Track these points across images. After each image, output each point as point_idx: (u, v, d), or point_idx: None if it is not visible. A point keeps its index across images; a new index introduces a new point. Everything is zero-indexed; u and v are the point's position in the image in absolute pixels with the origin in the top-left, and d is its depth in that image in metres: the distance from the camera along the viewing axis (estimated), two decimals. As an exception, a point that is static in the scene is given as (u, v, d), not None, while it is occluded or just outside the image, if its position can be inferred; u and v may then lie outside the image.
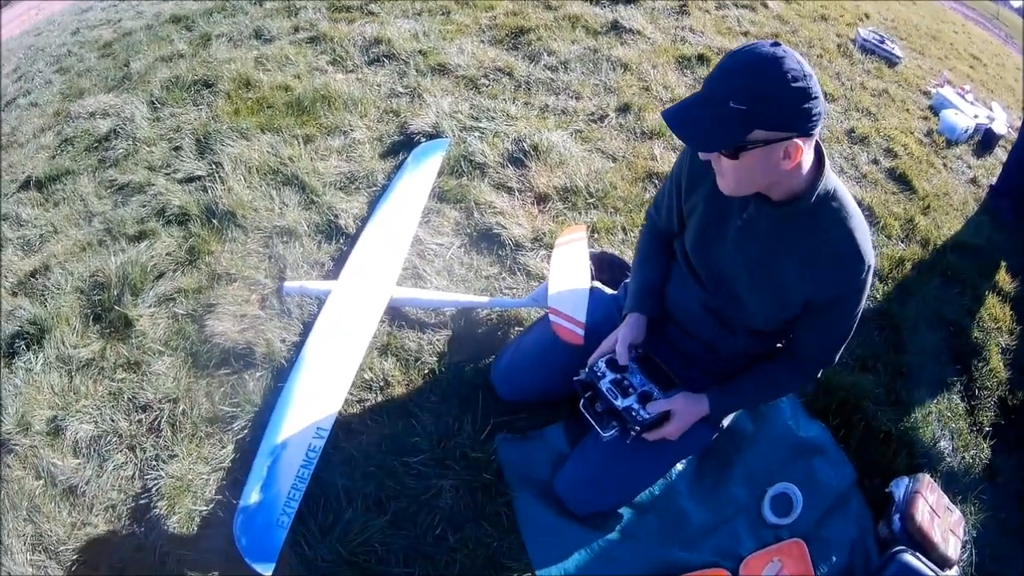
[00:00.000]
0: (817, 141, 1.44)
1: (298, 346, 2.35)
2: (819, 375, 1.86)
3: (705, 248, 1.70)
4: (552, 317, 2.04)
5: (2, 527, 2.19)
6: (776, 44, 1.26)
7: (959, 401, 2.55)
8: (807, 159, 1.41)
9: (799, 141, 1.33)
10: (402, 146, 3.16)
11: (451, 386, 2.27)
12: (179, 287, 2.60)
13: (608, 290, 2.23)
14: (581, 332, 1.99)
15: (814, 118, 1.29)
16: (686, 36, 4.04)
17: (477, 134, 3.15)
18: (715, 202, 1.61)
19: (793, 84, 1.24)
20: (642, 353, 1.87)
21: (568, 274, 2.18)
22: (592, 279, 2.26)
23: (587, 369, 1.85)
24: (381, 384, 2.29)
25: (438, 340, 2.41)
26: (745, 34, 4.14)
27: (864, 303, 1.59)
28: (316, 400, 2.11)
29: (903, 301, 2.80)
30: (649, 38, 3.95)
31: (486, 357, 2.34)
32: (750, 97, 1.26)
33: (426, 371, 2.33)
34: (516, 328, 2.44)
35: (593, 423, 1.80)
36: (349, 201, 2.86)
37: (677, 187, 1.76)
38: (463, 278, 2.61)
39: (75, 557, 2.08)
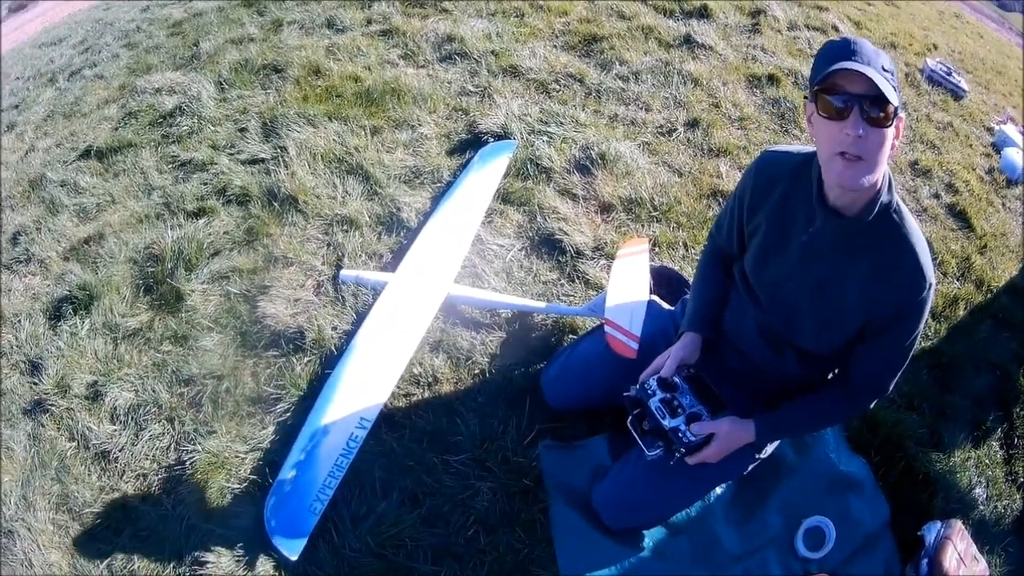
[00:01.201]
0: None
1: (349, 334, 2.42)
2: (871, 405, 1.85)
3: (766, 267, 1.74)
4: (607, 328, 2.10)
5: (29, 484, 2.30)
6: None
7: (998, 448, 2.54)
8: None
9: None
10: (469, 144, 3.24)
11: (499, 388, 2.33)
12: (234, 266, 2.70)
13: (666, 305, 2.27)
14: (635, 346, 2.03)
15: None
16: (757, 55, 4.09)
17: (545, 138, 3.22)
18: (779, 219, 1.67)
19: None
20: (693, 373, 1.88)
21: (627, 287, 2.22)
22: (650, 293, 2.30)
23: (638, 386, 1.86)
24: (429, 380, 2.35)
25: (491, 341, 2.46)
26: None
27: (923, 326, 1.61)
28: (362, 390, 2.17)
29: (953, 341, 2.80)
30: (721, 54, 4.01)
31: (537, 362, 2.39)
32: (890, 66, 1.39)
33: (476, 371, 2.38)
34: (570, 335, 2.48)
35: (638, 441, 1.82)
36: (412, 195, 2.94)
37: (740, 206, 1.81)
38: (521, 281, 2.66)
39: (99, 521, 2.17)
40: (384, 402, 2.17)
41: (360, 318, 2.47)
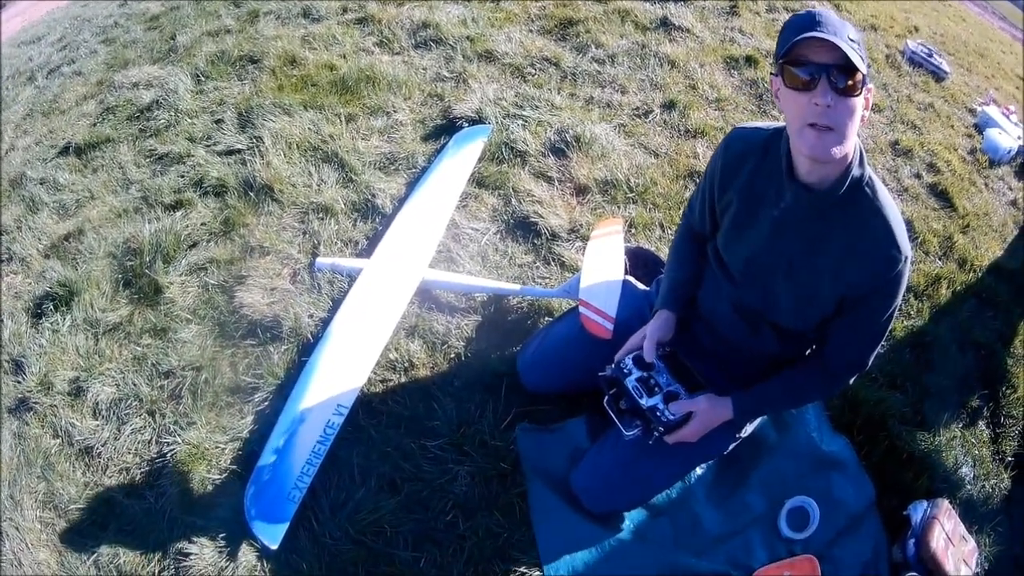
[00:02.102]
0: None
1: (326, 322, 2.45)
2: (851, 381, 1.87)
3: (739, 243, 1.75)
4: (582, 309, 2.11)
5: (15, 483, 2.33)
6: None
7: (984, 428, 2.58)
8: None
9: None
10: (444, 130, 3.27)
11: (476, 372, 2.35)
12: (212, 257, 2.73)
13: (641, 286, 2.29)
14: (610, 326, 2.05)
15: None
16: (735, 37, 4.13)
17: (520, 122, 3.25)
18: (749, 195, 1.68)
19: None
20: (669, 351, 1.90)
21: (602, 267, 2.24)
22: (626, 273, 2.31)
23: (614, 365, 1.88)
24: (406, 365, 2.38)
25: (466, 325, 2.49)
26: None
27: (900, 300, 1.62)
28: (339, 377, 2.20)
29: (936, 320, 2.84)
30: (698, 36, 4.04)
31: (513, 346, 2.42)
32: (856, 35, 1.39)
33: (452, 356, 2.41)
34: (545, 318, 2.51)
35: (616, 421, 1.84)
36: (388, 181, 2.96)
37: (710, 185, 1.82)
38: (496, 265, 2.69)
39: (85, 517, 2.21)
40: (360, 387, 2.20)
41: (336, 305, 2.49)
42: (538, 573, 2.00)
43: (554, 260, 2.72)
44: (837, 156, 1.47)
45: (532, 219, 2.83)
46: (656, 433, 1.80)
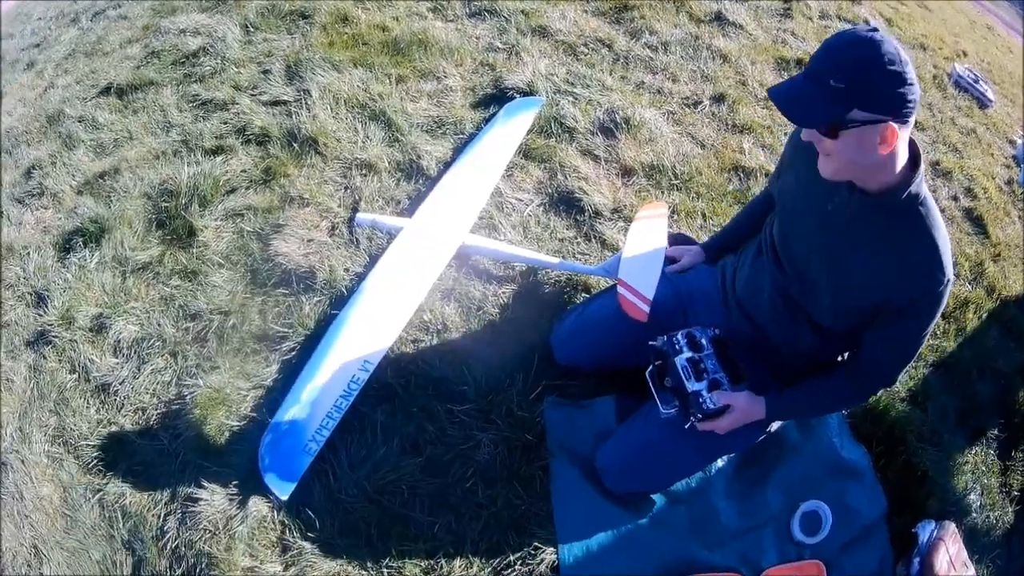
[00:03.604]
0: (915, 143, 1.52)
1: (361, 277, 2.45)
2: (876, 394, 1.93)
3: (790, 227, 1.79)
4: (620, 289, 2.09)
5: (26, 416, 2.35)
6: (874, 29, 1.37)
7: (995, 457, 2.59)
8: (902, 152, 1.49)
9: (894, 125, 1.40)
10: (494, 99, 3.26)
11: (508, 341, 2.37)
12: (249, 204, 2.72)
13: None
14: (647, 308, 2.02)
15: (909, 104, 1.38)
16: (787, 39, 4.13)
17: (570, 99, 3.24)
18: (809, 183, 1.68)
19: (889, 67, 1.34)
20: (719, 336, 1.90)
21: (644, 249, 2.22)
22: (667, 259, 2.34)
23: (665, 337, 1.88)
24: (439, 327, 2.38)
25: (503, 294, 2.49)
26: None
27: (936, 320, 1.63)
28: (369, 333, 2.19)
29: (961, 344, 2.85)
30: (751, 34, 4.04)
31: (548, 318, 2.41)
32: (848, 76, 1.37)
33: (486, 322, 2.42)
34: (582, 294, 2.52)
35: (655, 395, 1.86)
36: (434, 144, 2.95)
37: (781, 161, 1.89)
38: (537, 236, 2.69)
39: (95, 454, 2.22)
40: (389, 345, 2.19)
41: (373, 261, 2.49)
42: (552, 551, 2.02)
43: (595, 237, 2.73)
44: (833, 178, 1.54)
45: (576, 195, 2.83)
46: (692, 419, 1.81)
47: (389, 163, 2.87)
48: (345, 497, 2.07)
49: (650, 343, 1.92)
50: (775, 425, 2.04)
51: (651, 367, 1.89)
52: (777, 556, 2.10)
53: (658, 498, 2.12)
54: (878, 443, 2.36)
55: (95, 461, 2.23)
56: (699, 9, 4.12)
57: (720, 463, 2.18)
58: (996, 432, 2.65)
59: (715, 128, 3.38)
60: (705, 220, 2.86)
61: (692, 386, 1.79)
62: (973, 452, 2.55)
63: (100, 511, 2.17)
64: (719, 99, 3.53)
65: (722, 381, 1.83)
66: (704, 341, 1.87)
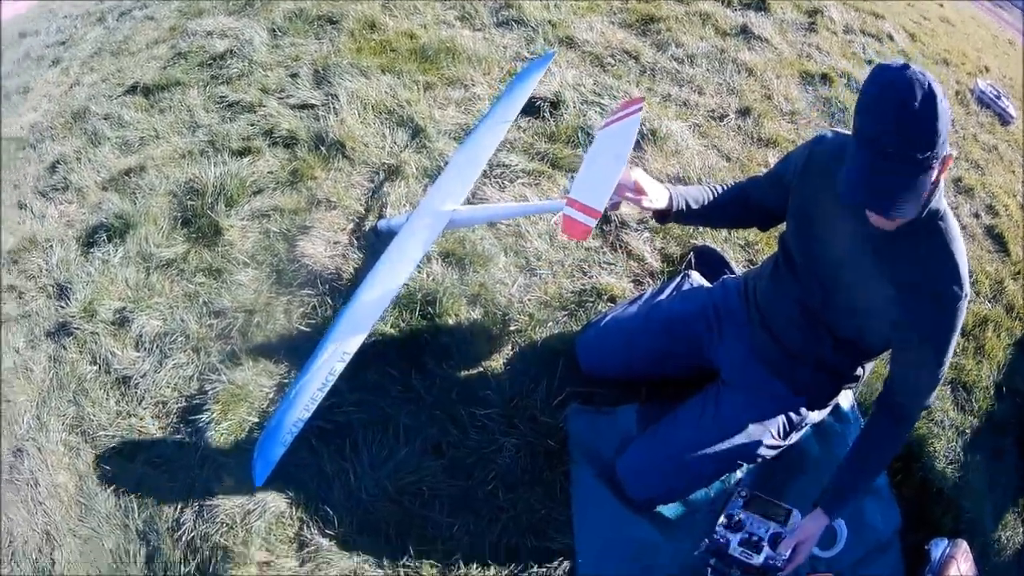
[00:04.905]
0: None
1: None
2: (917, 420, 1.94)
3: (808, 235, 1.81)
4: (566, 210, 1.84)
5: (44, 405, 2.41)
6: (906, 66, 1.35)
7: (1011, 477, 2.60)
8: None
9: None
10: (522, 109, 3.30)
11: (533, 347, 2.41)
12: (276, 205, 2.79)
13: (705, 283, 2.35)
14: (592, 222, 1.78)
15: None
16: (812, 53, 4.15)
17: (597, 109, 3.28)
18: (829, 195, 1.67)
19: (943, 104, 1.33)
20: (748, 496, 2.01)
21: (603, 159, 1.92)
22: (690, 268, 2.41)
23: (707, 540, 1.97)
24: (465, 332, 2.42)
25: (528, 301, 2.54)
26: (869, 62, 4.24)
27: (957, 335, 1.65)
28: (353, 324, 2.14)
29: (979, 361, 2.85)
30: (776, 48, 4.07)
31: (574, 325, 2.47)
32: (928, 139, 1.35)
33: (511, 328, 2.45)
34: (608, 303, 2.54)
35: None
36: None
37: (792, 171, 1.85)
38: (563, 246, 2.72)
39: (113, 445, 2.27)
40: (366, 334, 2.11)
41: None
42: (569, 556, 2.05)
43: (621, 248, 2.75)
44: (896, 223, 1.54)
45: None
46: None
47: (416, 168, 2.92)
48: (365, 496, 2.10)
49: (696, 553, 2.01)
50: (795, 436, 2.10)
51: (711, 570, 1.95)
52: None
53: (677, 507, 2.14)
54: (895, 459, 2.32)
55: (113, 452, 2.28)
56: (724, 22, 4.15)
57: (739, 473, 2.19)
58: (1013, 451, 2.68)
59: (740, 142, 3.41)
60: (730, 232, 2.88)
61: (759, 561, 1.86)
62: (988, 471, 2.56)
63: (115, 501, 2.21)
64: (744, 113, 3.56)
65: (779, 532, 1.90)
66: (741, 515, 1.96)
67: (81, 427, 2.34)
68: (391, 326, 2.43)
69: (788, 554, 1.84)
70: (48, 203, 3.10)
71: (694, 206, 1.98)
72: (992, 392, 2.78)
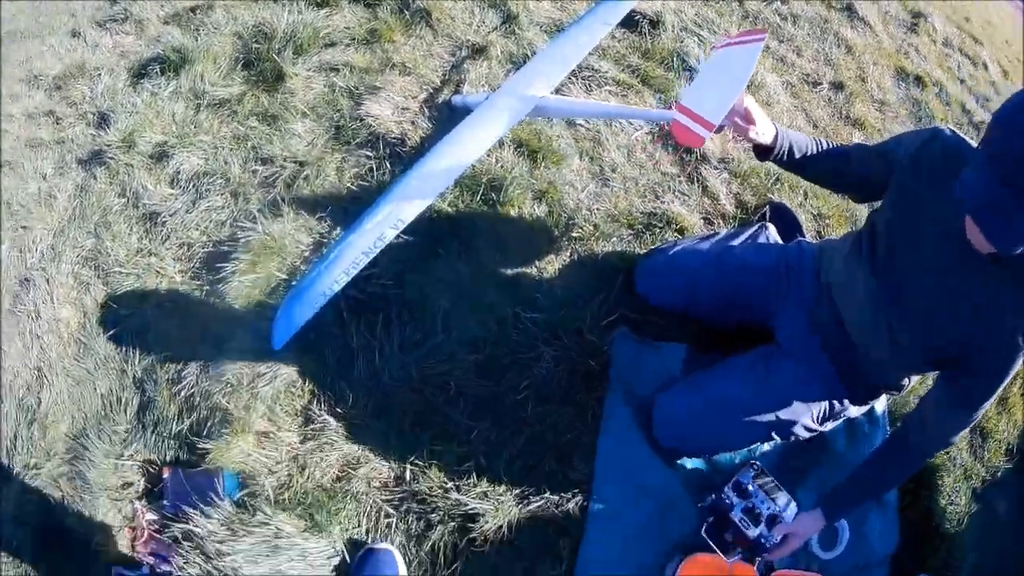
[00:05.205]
0: None
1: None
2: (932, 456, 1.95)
3: (900, 247, 1.68)
4: (676, 115, 1.77)
5: (62, 234, 2.24)
6: None
7: (999, 540, 2.43)
8: None
9: None
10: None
11: (593, 259, 2.26)
12: (347, 61, 2.56)
13: (779, 239, 2.28)
14: (707, 135, 1.71)
15: None
16: (910, 53, 3.94)
17: (696, 39, 3.07)
18: (931, 199, 1.59)
19: None
20: (759, 470, 2.02)
21: (720, 78, 1.85)
22: (765, 219, 2.33)
23: (712, 496, 1.97)
24: (525, 227, 2.23)
25: (597, 210, 2.35)
26: (961, 81, 4.07)
27: (1009, 378, 1.55)
28: (413, 191, 1.90)
29: (1000, 412, 2.62)
30: (877, 35, 3.87)
31: (638, 247, 2.32)
32: None
33: (574, 234, 2.27)
34: (675, 233, 2.39)
35: (717, 550, 1.91)
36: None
37: (899, 154, 1.72)
38: (639, 163, 2.54)
39: (126, 283, 2.10)
40: (428, 205, 1.92)
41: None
42: (585, 489, 1.97)
43: (698, 180, 2.57)
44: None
45: None
46: (760, 558, 1.93)
47: (501, 52, 2.69)
48: (387, 379, 1.95)
49: (699, 505, 2.00)
50: (830, 424, 2.04)
51: (706, 525, 1.94)
52: (791, 559, 2.06)
53: (700, 463, 2.09)
54: (910, 479, 2.18)
55: (125, 291, 2.12)
56: None
57: (766, 447, 2.14)
58: (1009, 514, 2.49)
59: (829, 113, 3.21)
60: (806, 198, 2.70)
61: (753, 533, 1.90)
62: (981, 527, 2.38)
63: (117, 344, 2.06)
64: (838, 87, 3.36)
65: (777, 514, 1.93)
66: (750, 486, 1.97)
67: (96, 261, 2.18)
68: (448, 204, 2.24)
69: (779, 539, 1.87)
70: (104, 33, 2.88)
71: (796, 153, 1.88)
72: (1003, 449, 2.57)
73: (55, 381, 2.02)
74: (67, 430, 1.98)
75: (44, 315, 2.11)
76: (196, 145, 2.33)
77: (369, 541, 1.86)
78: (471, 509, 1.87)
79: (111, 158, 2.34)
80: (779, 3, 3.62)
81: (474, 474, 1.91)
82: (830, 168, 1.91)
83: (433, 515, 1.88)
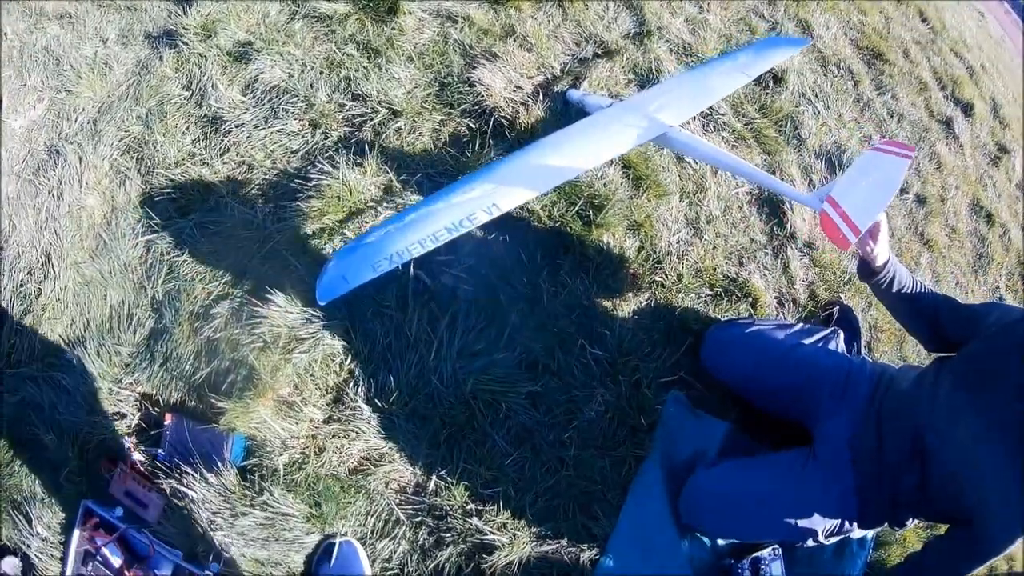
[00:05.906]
0: None
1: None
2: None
3: (969, 388, 1.67)
4: (825, 207, 1.74)
5: (107, 110, 2.01)
6: None
7: None
8: None
9: None
10: (753, 33, 3.05)
11: (670, 310, 2.12)
12: (468, 15, 2.32)
13: (845, 349, 2.22)
14: (853, 239, 1.68)
15: None
16: (988, 185, 3.86)
17: (812, 110, 2.97)
18: (1013, 360, 1.59)
19: None
20: (777, 554, 2.00)
21: (869, 181, 1.78)
22: (831, 320, 2.30)
23: (731, 561, 1.98)
24: (614, 256, 2.07)
25: (686, 260, 2.21)
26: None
27: None
28: (517, 179, 1.74)
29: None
30: (965, 159, 3.79)
31: (713, 311, 2.20)
32: None
33: (657, 278, 2.13)
34: (749, 307, 2.28)
35: None
36: (674, 65, 2.61)
37: (970, 328, 1.78)
38: (732, 222, 2.41)
39: (168, 187, 1.90)
40: (530, 199, 1.80)
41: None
42: (595, 552, 1.85)
43: (781, 256, 2.42)
44: None
45: (783, 206, 2.51)
46: None
47: (626, 59, 2.48)
48: (437, 381, 1.77)
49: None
50: (832, 541, 2.02)
51: None
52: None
53: (708, 543, 2.05)
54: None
55: (165, 196, 1.89)
56: (936, 104, 3.86)
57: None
58: None
59: (907, 225, 3.10)
60: (868, 307, 2.59)
61: None
62: None
63: (143, 253, 1.85)
64: (922, 201, 3.25)
65: None
66: (767, 570, 1.96)
67: (140, 152, 1.95)
68: (543, 207, 2.04)
69: None
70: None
71: (895, 286, 1.90)
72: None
73: (62, 274, 1.81)
74: (63, 333, 1.77)
75: (67, 196, 1.89)
76: (283, 56, 2.09)
77: (369, 541, 1.70)
78: (487, 539, 1.73)
79: (184, 43, 2.10)
80: (889, 97, 3.55)
81: (499, 503, 1.76)
82: (917, 315, 1.92)
83: (447, 534, 1.74)
